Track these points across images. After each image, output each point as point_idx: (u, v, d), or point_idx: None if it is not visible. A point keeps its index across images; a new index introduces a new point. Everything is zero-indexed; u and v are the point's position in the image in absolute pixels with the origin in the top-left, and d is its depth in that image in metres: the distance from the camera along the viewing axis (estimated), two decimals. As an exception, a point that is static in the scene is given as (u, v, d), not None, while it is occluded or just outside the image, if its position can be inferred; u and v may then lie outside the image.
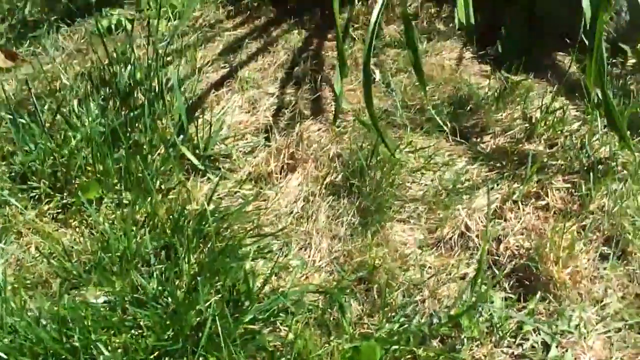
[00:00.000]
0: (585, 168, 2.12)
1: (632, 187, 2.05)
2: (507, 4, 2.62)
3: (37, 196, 2.07)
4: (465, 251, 1.97)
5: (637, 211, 2.00)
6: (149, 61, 2.39)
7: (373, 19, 2.11)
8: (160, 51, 2.43)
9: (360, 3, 2.72)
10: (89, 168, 2.09)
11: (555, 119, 2.24)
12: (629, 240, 1.95)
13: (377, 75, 2.53)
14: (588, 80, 1.96)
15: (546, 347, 1.76)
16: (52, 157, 2.11)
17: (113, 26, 2.71)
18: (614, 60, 2.49)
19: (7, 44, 2.68)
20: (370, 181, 2.08)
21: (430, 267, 1.93)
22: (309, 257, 1.95)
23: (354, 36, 2.67)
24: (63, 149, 2.11)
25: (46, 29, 2.71)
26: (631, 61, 2.49)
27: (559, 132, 2.23)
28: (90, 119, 2.21)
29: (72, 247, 1.92)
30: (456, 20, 2.63)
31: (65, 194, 2.06)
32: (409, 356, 1.70)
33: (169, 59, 2.58)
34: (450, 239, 1.99)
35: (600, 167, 2.11)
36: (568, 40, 2.48)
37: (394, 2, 2.74)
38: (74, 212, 2.02)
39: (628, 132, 2.03)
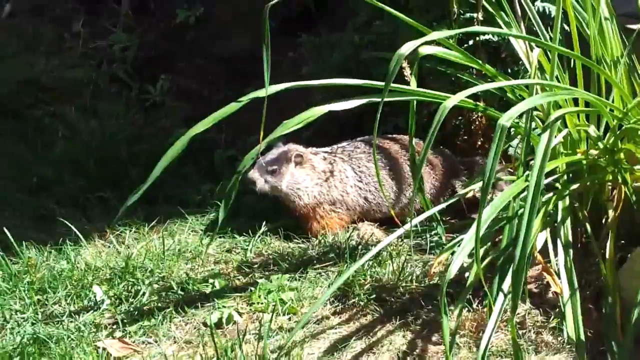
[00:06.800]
0: None
1: None
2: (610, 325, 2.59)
3: None
4: None
5: None
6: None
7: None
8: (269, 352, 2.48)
9: (466, 310, 2.74)
10: None
11: None
12: None
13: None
14: None
15: None
16: None
17: (224, 319, 2.80)
18: None
19: (123, 331, 2.80)
20: None
21: None
22: None
23: (460, 343, 2.66)
24: None
25: (161, 319, 2.82)
26: None
27: None
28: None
29: None
30: (565, 334, 2.60)
31: None
32: None
33: (274, 356, 2.61)
34: None
35: None
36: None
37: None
38: None
39: None
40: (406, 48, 2.28)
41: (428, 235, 3.20)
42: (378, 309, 2.87)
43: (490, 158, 2.08)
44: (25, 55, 4.97)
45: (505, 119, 2.10)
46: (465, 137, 3.65)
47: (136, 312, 2.87)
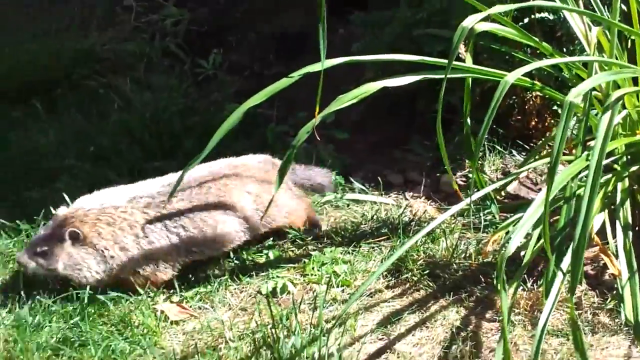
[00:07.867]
0: None
1: None
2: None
3: None
4: None
5: None
6: (312, 329, 2.48)
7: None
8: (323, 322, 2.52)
9: (521, 288, 2.74)
10: None
11: None
12: None
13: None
14: None
15: None
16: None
17: (279, 289, 2.83)
18: None
19: (180, 296, 2.85)
20: None
21: None
22: None
23: (514, 321, 2.66)
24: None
25: (216, 286, 2.87)
26: None
27: None
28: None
29: None
30: (622, 317, 2.59)
31: None
32: None
33: (329, 325, 2.63)
34: None
35: None
36: None
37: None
38: None
39: None
40: (469, 21, 2.26)
41: (482, 214, 3.19)
42: (431, 284, 2.87)
43: (558, 136, 2.08)
44: (78, 29, 5.03)
45: (573, 96, 2.09)
46: (519, 117, 3.63)
47: (193, 279, 2.92)
